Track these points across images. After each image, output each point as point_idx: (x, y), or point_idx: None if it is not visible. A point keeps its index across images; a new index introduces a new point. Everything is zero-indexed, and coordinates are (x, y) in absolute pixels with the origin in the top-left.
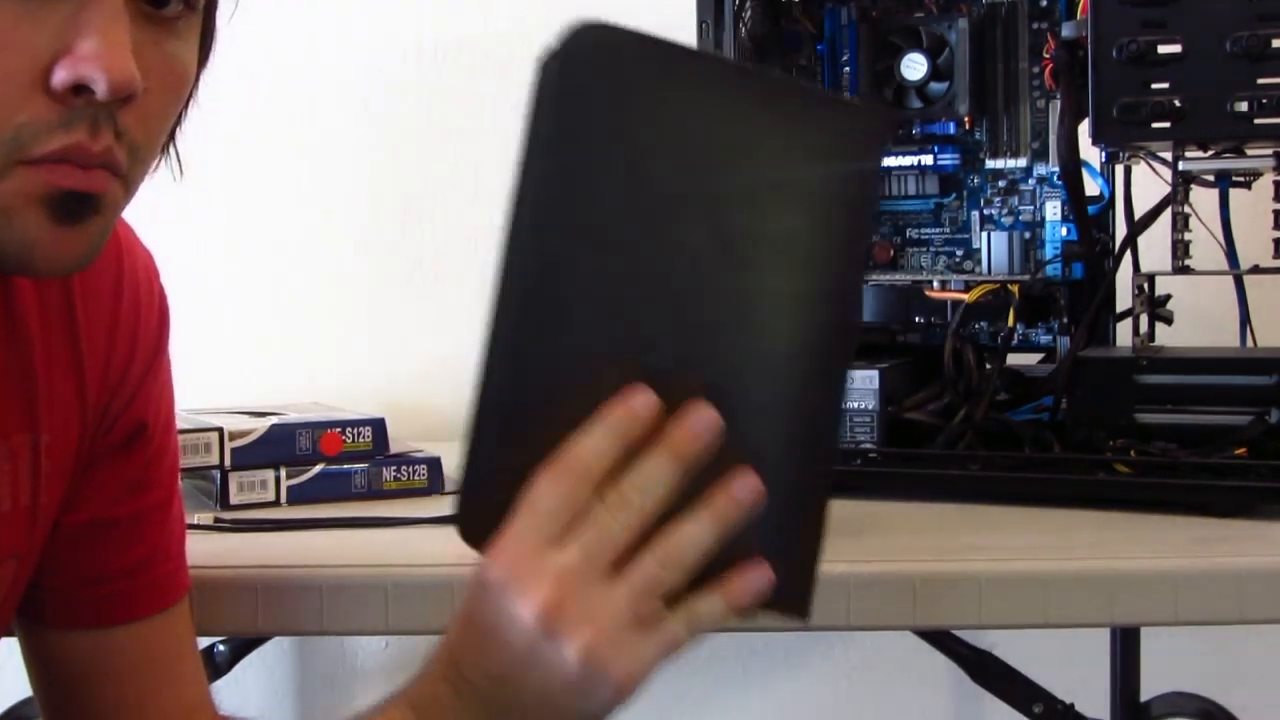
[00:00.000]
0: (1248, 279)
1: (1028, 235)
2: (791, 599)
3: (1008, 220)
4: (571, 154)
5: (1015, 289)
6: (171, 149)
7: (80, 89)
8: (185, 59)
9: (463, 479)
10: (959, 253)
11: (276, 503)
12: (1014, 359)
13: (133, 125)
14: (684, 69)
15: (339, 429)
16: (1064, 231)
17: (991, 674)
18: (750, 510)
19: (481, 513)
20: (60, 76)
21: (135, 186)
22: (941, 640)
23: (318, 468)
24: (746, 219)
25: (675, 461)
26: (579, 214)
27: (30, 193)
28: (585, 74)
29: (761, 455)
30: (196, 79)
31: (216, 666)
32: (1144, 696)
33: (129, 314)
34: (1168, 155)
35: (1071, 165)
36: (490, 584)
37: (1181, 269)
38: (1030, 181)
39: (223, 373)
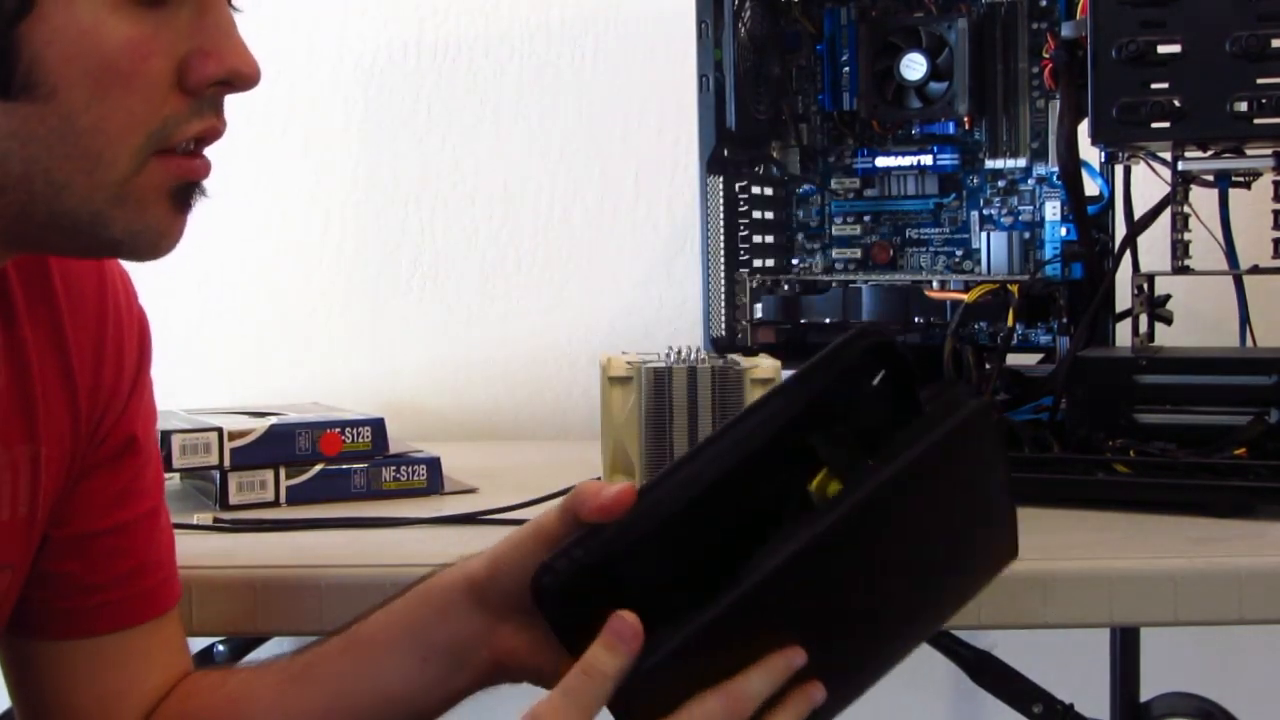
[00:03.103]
0: (1247, 279)
1: (1027, 235)
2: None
3: (1007, 220)
4: (917, 487)
5: (1015, 289)
6: None
7: (222, 83)
8: None
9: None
10: (958, 253)
11: (276, 503)
12: (1014, 359)
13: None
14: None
15: (338, 429)
16: (1063, 231)
17: (991, 674)
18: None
19: (646, 703)
20: (208, 73)
21: None
22: (941, 640)
23: (317, 468)
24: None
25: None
26: (884, 532)
27: (162, 185)
28: (974, 439)
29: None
30: None
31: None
32: (1144, 696)
33: (114, 334)
34: (1167, 155)
35: (1071, 165)
36: None
37: (1181, 269)
38: (1030, 181)
39: (223, 373)
